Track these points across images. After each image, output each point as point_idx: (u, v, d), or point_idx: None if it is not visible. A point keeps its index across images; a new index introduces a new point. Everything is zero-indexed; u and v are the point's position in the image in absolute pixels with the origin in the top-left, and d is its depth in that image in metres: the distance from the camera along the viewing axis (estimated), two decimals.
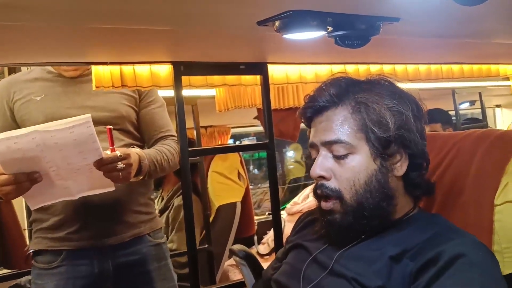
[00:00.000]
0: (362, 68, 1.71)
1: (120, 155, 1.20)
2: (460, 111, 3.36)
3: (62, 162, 1.12)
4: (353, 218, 0.88)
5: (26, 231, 2.59)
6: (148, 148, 1.54)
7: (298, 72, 1.59)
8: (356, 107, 0.88)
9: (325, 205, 0.91)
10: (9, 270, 1.95)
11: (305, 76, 1.61)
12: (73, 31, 0.93)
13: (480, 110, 3.38)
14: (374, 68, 1.74)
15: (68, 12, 0.79)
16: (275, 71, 1.55)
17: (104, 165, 1.18)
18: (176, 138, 1.49)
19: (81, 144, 1.10)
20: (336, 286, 0.87)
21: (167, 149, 1.46)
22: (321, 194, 0.91)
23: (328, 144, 0.90)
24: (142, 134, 1.53)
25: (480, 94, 3.27)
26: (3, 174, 1.11)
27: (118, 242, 1.42)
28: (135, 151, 1.32)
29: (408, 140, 0.87)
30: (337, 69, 1.66)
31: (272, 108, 2.08)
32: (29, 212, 2.71)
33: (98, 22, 0.86)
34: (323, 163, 0.90)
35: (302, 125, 2.56)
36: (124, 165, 1.21)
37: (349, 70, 1.69)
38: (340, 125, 0.89)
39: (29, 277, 1.82)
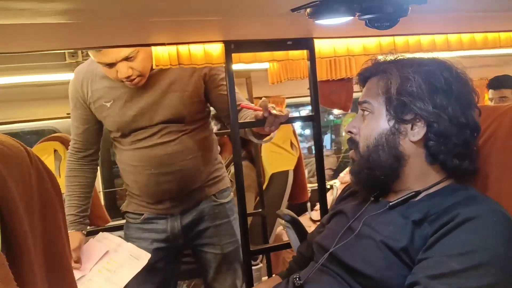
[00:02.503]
0: (412, 39, 1.68)
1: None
2: None
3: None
4: (361, 167, 1.02)
5: (101, 193, 2.91)
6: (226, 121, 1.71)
7: (345, 46, 1.61)
8: (384, 75, 1.02)
9: (350, 154, 1.07)
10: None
11: (353, 49, 1.62)
12: (137, 21, 1.06)
13: None
14: (425, 39, 1.70)
15: (134, 10, 0.92)
16: (322, 45, 1.58)
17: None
18: None
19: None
20: (364, 246, 0.96)
21: None
22: (349, 146, 1.07)
23: (361, 104, 1.05)
24: (219, 111, 1.69)
25: None
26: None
27: (186, 208, 1.68)
28: None
29: (415, 107, 0.95)
30: (386, 41, 1.66)
31: (324, 79, 2.13)
32: (103, 176, 3.02)
33: (159, 16, 0.99)
34: (354, 121, 1.06)
35: (356, 95, 2.57)
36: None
37: (398, 42, 1.67)
38: (371, 89, 1.03)
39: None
